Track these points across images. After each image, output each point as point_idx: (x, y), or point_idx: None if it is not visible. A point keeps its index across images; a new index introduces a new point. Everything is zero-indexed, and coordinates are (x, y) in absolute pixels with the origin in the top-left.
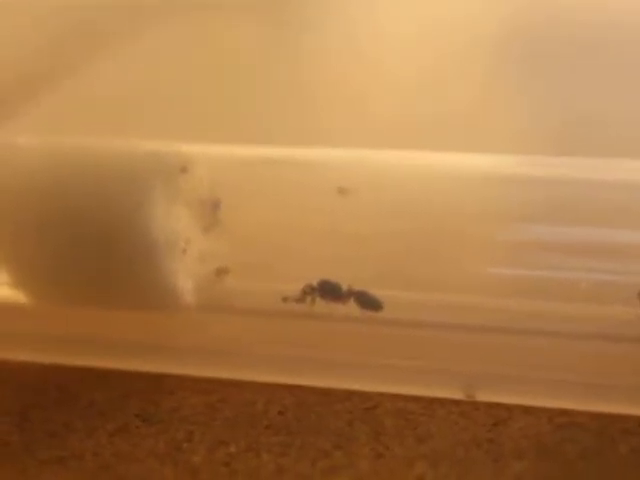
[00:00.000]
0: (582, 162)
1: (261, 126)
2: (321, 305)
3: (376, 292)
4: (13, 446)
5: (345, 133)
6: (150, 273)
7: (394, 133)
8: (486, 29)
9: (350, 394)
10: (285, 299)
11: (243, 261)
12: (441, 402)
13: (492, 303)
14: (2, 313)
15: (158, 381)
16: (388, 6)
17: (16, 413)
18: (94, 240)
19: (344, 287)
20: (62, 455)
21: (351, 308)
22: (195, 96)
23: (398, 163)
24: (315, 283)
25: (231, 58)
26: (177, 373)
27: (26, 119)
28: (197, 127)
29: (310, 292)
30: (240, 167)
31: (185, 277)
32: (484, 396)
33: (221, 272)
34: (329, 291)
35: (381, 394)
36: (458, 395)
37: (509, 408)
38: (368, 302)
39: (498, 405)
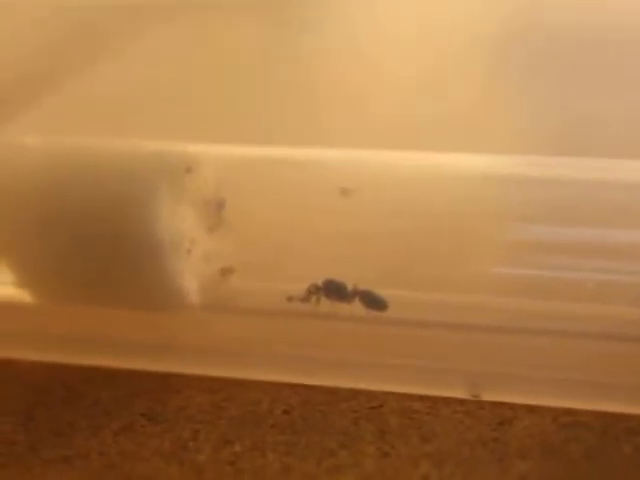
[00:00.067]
0: (585, 162)
1: (264, 126)
2: (326, 305)
3: (381, 292)
4: (19, 445)
5: (346, 133)
6: (155, 273)
7: (394, 133)
8: (486, 29)
9: (355, 393)
10: (290, 299)
11: (248, 261)
12: (446, 401)
13: (497, 303)
14: (7, 312)
15: (164, 380)
16: (388, 6)
17: (22, 412)
18: (99, 240)
19: (349, 287)
20: (67, 454)
21: (356, 308)
22: (198, 96)
23: (400, 163)
24: (320, 283)
25: (233, 58)
26: (182, 372)
27: (30, 119)
28: (201, 127)
29: (315, 292)
30: (245, 167)
31: (190, 277)
32: (489, 395)
33: (226, 272)
34: (334, 291)
35: (386, 393)
36: (463, 394)
37: (514, 407)
38: (373, 302)
39: (503, 404)
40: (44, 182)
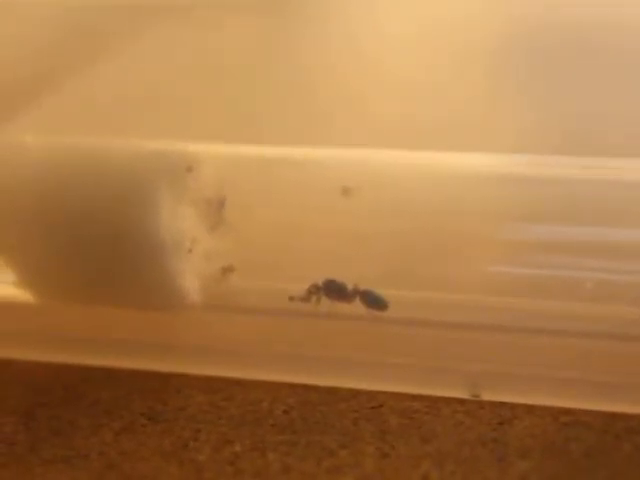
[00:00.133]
0: (585, 162)
1: (265, 125)
2: (326, 304)
3: (381, 291)
4: (19, 445)
5: (346, 132)
6: (156, 272)
7: (395, 132)
8: (486, 29)
9: (355, 393)
10: (291, 298)
11: (249, 260)
12: (446, 401)
13: (497, 302)
14: (8, 312)
15: (164, 380)
16: (388, 6)
17: (22, 412)
18: (100, 239)
19: (349, 286)
20: (68, 454)
21: (357, 307)
22: (199, 96)
23: (401, 163)
24: (320, 282)
25: (234, 58)
26: (183, 372)
27: (30, 119)
28: (202, 127)
29: (315, 291)
30: (246, 166)
31: (191, 276)
32: (489, 395)
33: (227, 271)
34: (334, 290)
35: (386, 393)
36: (463, 394)
37: (514, 407)
38: (373, 301)
39: (503, 404)
40: (45, 182)
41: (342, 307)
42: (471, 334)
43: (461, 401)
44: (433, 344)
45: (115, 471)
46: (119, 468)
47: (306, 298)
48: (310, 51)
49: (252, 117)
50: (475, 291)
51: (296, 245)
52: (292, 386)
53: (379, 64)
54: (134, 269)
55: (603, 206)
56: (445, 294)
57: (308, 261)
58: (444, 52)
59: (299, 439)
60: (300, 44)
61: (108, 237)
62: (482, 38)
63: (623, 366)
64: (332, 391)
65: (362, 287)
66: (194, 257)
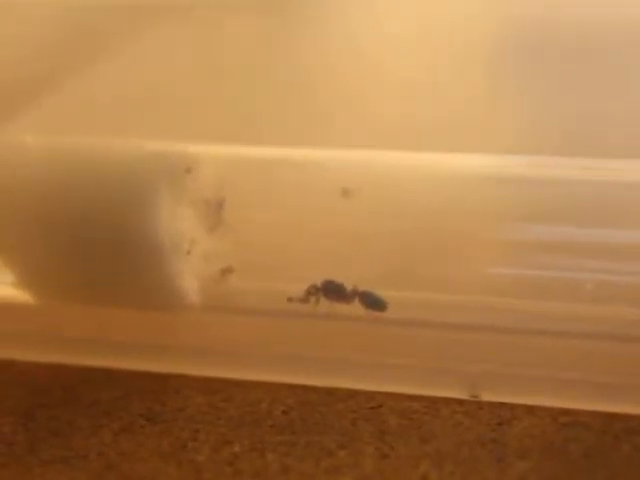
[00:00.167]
0: (584, 162)
1: (264, 126)
2: (325, 305)
3: (381, 292)
4: (18, 445)
5: (346, 133)
6: (155, 273)
7: (395, 133)
8: (486, 29)
9: (354, 393)
10: (290, 299)
11: (248, 261)
12: (445, 402)
13: (497, 303)
14: (7, 313)
15: (163, 381)
16: (388, 6)
17: (21, 413)
18: (99, 240)
19: (348, 287)
20: (67, 454)
21: (356, 308)
22: (199, 96)
23: (401, 164)
24: (319, 283)
25: (234, 58)
26: (182, 373)
27: (30, 119)
28: (202, 127)
29: (314, 292)
30: (245, 167)
31: (190, 277)
32: (488, 396)
33: (226, 272)
34: (333, 291)
35: (385, 394)
36: (462, 395)
37: (513, 408)
38: (373, 302)
39: (502, 405)
40: (44, 182)
41: (341, 308)
42: (470, 335)
43: (460, 402)
44: (432, 345)
45: (114, 472)
46: (118, 469)
47: (305, 299)
48: (310, 51)
49: (252, 118)
50: (474, 292)
51: (295, 246)
52: (291, 387)
53: (379, 64)
54: (133, 270)
55: (603, 207)
56: (444, 295)
57: (307, 262)
58: (444, 52)
59: (298, 439)
60: (300, 44)
61: (107, 238)
62: (482, 38)
63: (622, 367)
64: (331, 392)
65: (361, 288)
66: (193, 258)
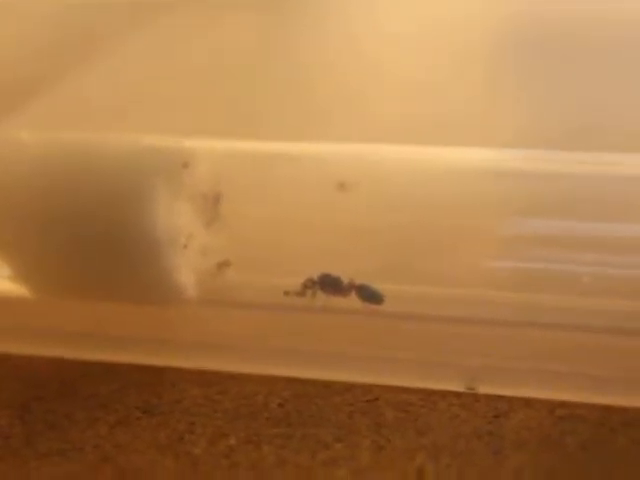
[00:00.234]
0: (582, 156)
1: (261, 121)
2: (322, 298)
3: (377, 285)
4: (14, 438)
5: (345, 129)
6: (152, 267)
7: (394, 129)
8: (485, 25)
9: (351, 386)
10: (286, 293)
11: (244, 255)
12: (442, 394)
13: (493, 296)
14: (4, 307)
15: (159, 374)
16: (387, 3)
17: (17, 406)
18: (96, 235)
19: (345, 280)
20: (63, 447)
21: (352, 301)
22: (196, 91)
23: (398, 158)
24: (316, 277)
25: (231, 53)
26: (178, 366)
27: (26, 116)
28: (198, 122)
29: (311, 286)
30: (242, 162)
31: (187, 271)
32: (485, 388)
33: (223, 266)
34: (330, 285)
35: (382, 386)
36: (459, 387)
37: (509, 400)
38: (369, 295)
39: (499, 397)
40: (41, 177)
41: (338, 301)
42: (467, 328)
43: (457, 394)
44: (429, 338)
45: (110, 464)
46: (114, 461)
47: (302, 292)
48: (308, 48)
49: (249, 112)
50: (471, 285)
51: (292, 239)
52: (287, 380)
53: (378, 61)
54: (130, 264)
55: (600, 200)
56: (441, 288)
57: (304, 255)
58: (443, 49)
59: (294, 432)
60: (298, 41)
61: (104, 232)
62: (481, 35)
63: (619, 360)
64: (327, 384)
65: (358, 281)
66: (190, 252)
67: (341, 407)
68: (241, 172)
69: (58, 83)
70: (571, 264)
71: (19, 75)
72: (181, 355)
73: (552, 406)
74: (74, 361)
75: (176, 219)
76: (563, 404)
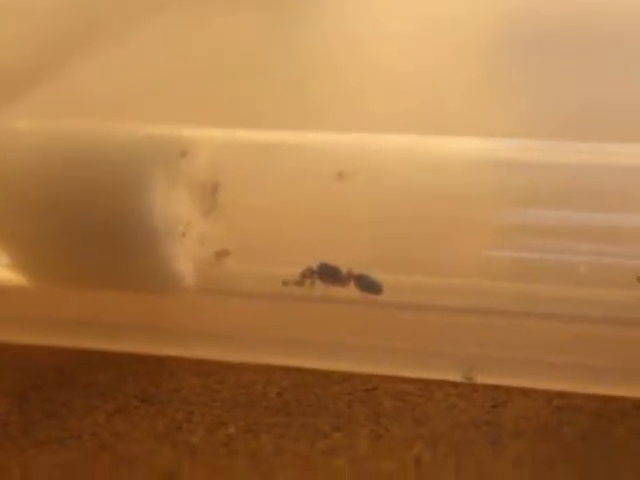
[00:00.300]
0: (581, 146)
1: (260, 110)
2: (321, 288)
3: (376, 275)
4: (12, 426)
5: (343, 122)
6: (150, 256)
7: (391, 123)
8: (484, 21)
9: (349, 376)
10: (285, 282)
11: (243, 244)
12: (440, 384)
13: (491, 286)
14: (2, 296)
15: (157, 363)
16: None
17: (16, 394)
18: (94, 223)
19: (344, 270)
20: (61, 435)
21: (351, 291)
22: (194, 80)
23: (397, 147)
24: (315, 266)
25: (230, 43)
26: (177, 355)
27: (23, 105)
28: (197, 111)
29: (310, 275)
30: (240, 151)
31: (185, 260)
32: (483, 378)
33: (221, 255)
34: (329, 274)
35: (380, 376)
36: (457, 377)
37: (508, 390)
38: (368, 285)
39: (497, 387)
40: (39, 166)
41: (336, 291)
42: (465, 318)
43: (455, 384)
44: (427, 328)
45: (108, 452)
46: (112, 449)
47: (300, 282)
48: (307, 36)
49: (247, 101)
50: (469, 275)
51: (290, 229)
52: (286, 369)
53: (375, 56)
54: (128, 252)
55: (598, 191)
56: (439, 278)
57: (303, 245)
58: (441, 43)
59: (293, 421)
60: (298, 36)
61: (102, 221)
62: (479, 30)
63: (617, 350)
64: (326, 374)
65: (356, 271)
66: (188, 241)
67: (340, 396)
68: (239, 161)
69: (57, 73)
70: (568, 254)
71: (18, 65)
72: (179, 344)
73: (550, 396)
74: (72, 350)
75: (174, 208)
76: (561, 394)
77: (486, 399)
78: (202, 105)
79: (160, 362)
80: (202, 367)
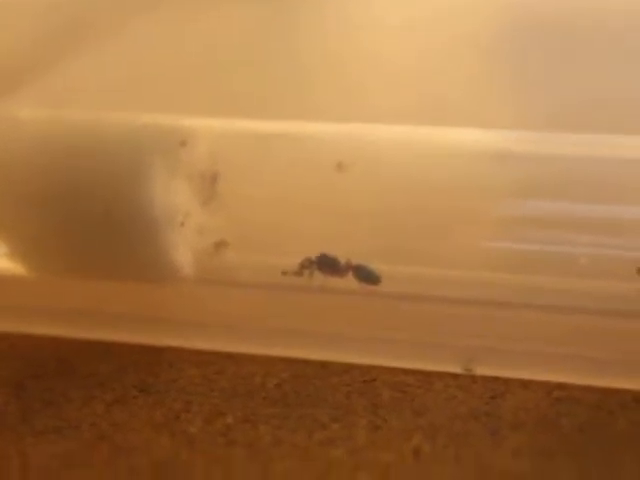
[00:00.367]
0: (580, 138)
1: (259, 100)
2: (319, 279)
3: (374, 266)
4: (10, 415)
5: (342, 112)
6: (149, 246)
7: (391, 114)
8: (484, 15)
9: (348, 367)
10: (284, 272)
11: (242, 235)
12: (439, 375)
13: (491, 277)
14: (1, 285)
15: (156, 353)
16: None
17: (14, 384)
18: (93, 213)
19: (342, 261)
20: (59, 425)
21: (349, 282)
22: (194, 70)
23: (397, 138)
24: (314, 257)
25: (230, 34)
26: (175, 345)
27: (24, 95)
28: (197, 101)
29: (308, 266)
30: (239, 141)
31: (184, 250)
32: (482, 370)
33: (220, 245)
34: (327, 265)
35: (379, 367)
36: (456, 369)
37: (507, 382)
38: (366, 276)
39: (496, 379)
40: (38, 155)
41: (335, 281)
42: (464, 309)
43: (454, 375)
44: (426, 319)
45: (106, 442)
46: (110, 439)
47: (299, 272)
48: (308, 26)
49: (247, 91)
50: (468, 266)
51: (289, 219)
52: (285, 360)
53: (375, 48)
54: (127, 242)
55: (597, 182)
56: (438, 269)
57: (301, 235)
58: (441, 36)
59: (291, 412)
60: (297, 27)
61: (101, 210)
62: (478, 23)
63: (616, 342)
64: (325, 365)
65: (355, 262)
66: (187, 231)
67: (338, 387)
68: (239, 151)
69: (58, 63)
70: (568, 246)
71: (19, 55)
72: (178, 335)
73: (549, 388)
74: (71, 340)
75: (173, 197)
76: (560, 386)
77: (485, 390)
78: (201, 97)
79: (159, 352)
80: (201, 357)
